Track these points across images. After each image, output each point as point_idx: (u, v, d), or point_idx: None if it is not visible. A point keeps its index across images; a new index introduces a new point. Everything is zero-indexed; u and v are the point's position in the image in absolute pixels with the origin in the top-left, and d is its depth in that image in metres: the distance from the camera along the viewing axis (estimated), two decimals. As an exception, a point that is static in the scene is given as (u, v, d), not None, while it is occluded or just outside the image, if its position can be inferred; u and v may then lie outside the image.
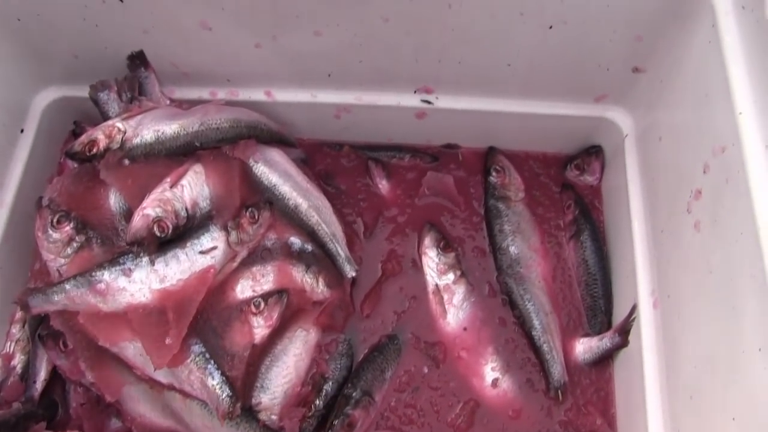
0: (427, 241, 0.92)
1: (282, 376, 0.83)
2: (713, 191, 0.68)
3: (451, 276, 0.90)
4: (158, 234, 0.76)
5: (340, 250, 0.87)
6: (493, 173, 0.95)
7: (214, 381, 0.77)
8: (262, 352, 0.83)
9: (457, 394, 0.86)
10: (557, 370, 0.85)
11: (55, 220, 0.79)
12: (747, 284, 0.60)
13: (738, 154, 0.62)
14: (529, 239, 0.92)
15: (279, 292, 0.83)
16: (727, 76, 0.65)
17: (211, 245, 0.80)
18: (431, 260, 0.91)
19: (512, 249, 0.91)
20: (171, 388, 0.78)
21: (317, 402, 0.82)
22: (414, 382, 0.86)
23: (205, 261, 0.79)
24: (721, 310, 0.65)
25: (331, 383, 0.84)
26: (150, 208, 0.77)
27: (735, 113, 0.63)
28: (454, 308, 0.89)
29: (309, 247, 0.87)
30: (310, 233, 0.87)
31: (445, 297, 0.89)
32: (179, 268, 0.78)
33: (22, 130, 0.88)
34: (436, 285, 0.90)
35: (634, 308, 0.81)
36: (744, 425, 0.60)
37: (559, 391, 0.85)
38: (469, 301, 0.89)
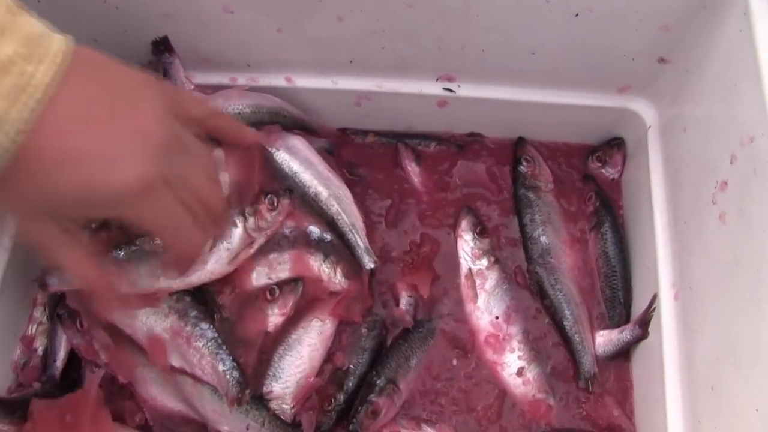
0: (464, 224, 0.92)
1: (295, 366, 0.82)
2: (740, 182, 0.67)
3: (485, 261, 0.90)
4: (177, 215, 0.76)
5: (360, 240, 0.86)
6: (524, 163, 0.95)
7: (225, 366, 0.77)
8: (275, 341, 0.82)
9: (482, 384, 0.86)
10: (588, 361, 0.85)
11: (74, 201, 0.80)
12: (774, 275, 0.60)
13: (767, 143, 0.61)
14: (558, 230, 0.92)
15: (294, 281, 0.83)
16: (759, 65, 0.64)
17: (228, 231, 0.79)
18: (466, 244, 0.90)
19: (543, 239, 0.91)
20: (182, 372, 0.78)
21: (338, 396, 0.82)
22: (442, 370, 0.86)
23: (221, 247, 0.79)
24: (746, 301, 0.64)
25: (353, 378, 0.83)
26: (170, 190, 0.77)
27: (765, 102, 0.62)
28: (486, 293, 0.88)
29: (328, 236, 0.87)
30: (329, 223, 0.86)
31: (478, 282, 0.89)
32: (195, 251, 0.78)
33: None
34: (470, 269, 0.90)
35: (654, 299, 0.80)
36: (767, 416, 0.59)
37: (589, 382, 0.85)
38: (501, 288, 0.89)
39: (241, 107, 0.85)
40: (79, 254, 0.63)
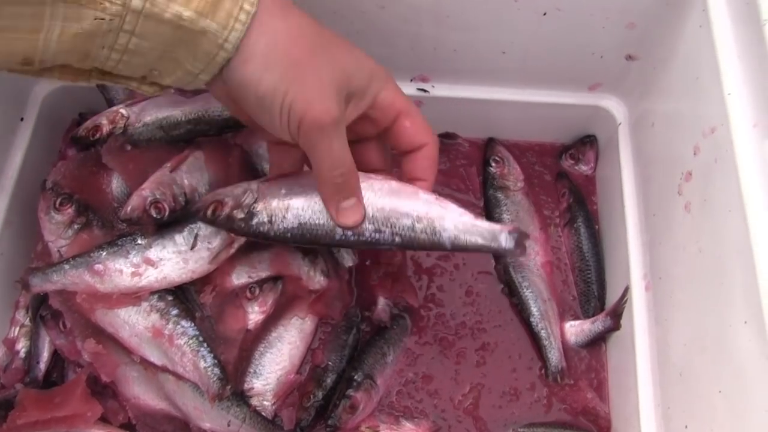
0: None
1: (276, 363, 0.84)
2: (703, 172, 0.69)
3: None
4: (155, 215, 0.77)
5: None
6: (492, 164, 0.96)
7: (206, 363, 0.77)
8: (256, 339, 0.84)
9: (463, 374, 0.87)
10: (555, 356, 0.86)
11: (57, 203, 0.81)
12: (734, 259, 0.61)
13: (726, 133, 0.63)
14: (527, 228, 0.93)
15: (274, 279, 0.84)
16: (717, 58, 0.66)
17: (208, 231, 0.81)
18: None
19: None
20: (164, 370, 0.79)
21: (317, 393, 0.83)
22: (417, 365, 0.88)
23: (202, 246, 0.80)
24: (711, 288, 0.66)
25: (331, 375, 0.84)
26: (148, 190, 0.78)
27: (724, 94, 0.64)
28: None
29: (308, 235, 0.88)
30: (308, 221, 0.87)
31: None
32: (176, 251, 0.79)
33: (22, 119, 0.89)
34: None
35: (625, 291, 0.82)
36: (729, 397, 0.61)
37: (558, 376, 0.86)
38: None
39: (221, 109, 0.87)
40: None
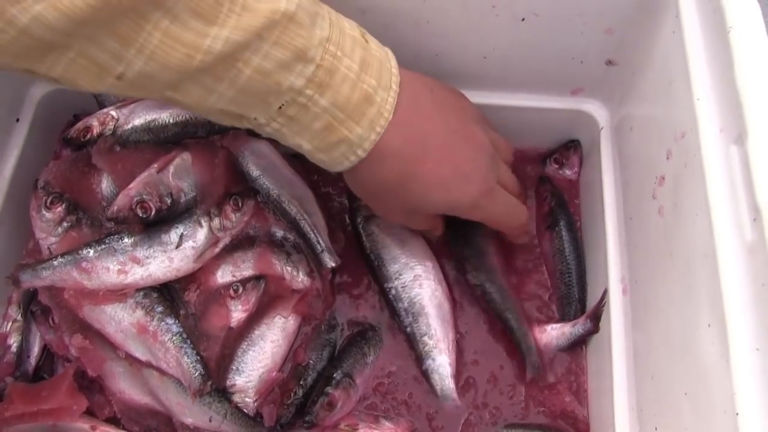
0: None
1: (258, 361, 0.85)
2: (674, 176, 0.69)
3: None
4: (141, 215, 0.79)
5: (321, 240, 0.88)
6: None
7: (189, 360, 0.79)
8: (239, 336, 0.85)
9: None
10: (533, 358, 0.86)
11: (48, 201, 0.83)
12: (700, 264, 0.62)
13: (695, 138, 0.64)
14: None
15: (257, 278, 0.86)
16: (688, 64, 0.67)
17: (193, 230, 0.83)
18: None
19: (477, 240, 0.91)
20: (149, 365, 0.81)
21: (298, 391, 0.84)
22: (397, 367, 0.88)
23: (187, 245, 0.82)
24: (680, 292, 0.66)
25: (312, 373, 0.85)
26: (135, 190, 0.80)
27: (694, 99, 0.65)
28: None
29: (291, 236, 0.89)
30: (292, 222, 0.89)
31: None
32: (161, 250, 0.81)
33: (17, 120, 0.92)
34: None
35: (604, 294, 0.82)
36: (694, 399, 0.61)
37: (536, 378, 0.86)
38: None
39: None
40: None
